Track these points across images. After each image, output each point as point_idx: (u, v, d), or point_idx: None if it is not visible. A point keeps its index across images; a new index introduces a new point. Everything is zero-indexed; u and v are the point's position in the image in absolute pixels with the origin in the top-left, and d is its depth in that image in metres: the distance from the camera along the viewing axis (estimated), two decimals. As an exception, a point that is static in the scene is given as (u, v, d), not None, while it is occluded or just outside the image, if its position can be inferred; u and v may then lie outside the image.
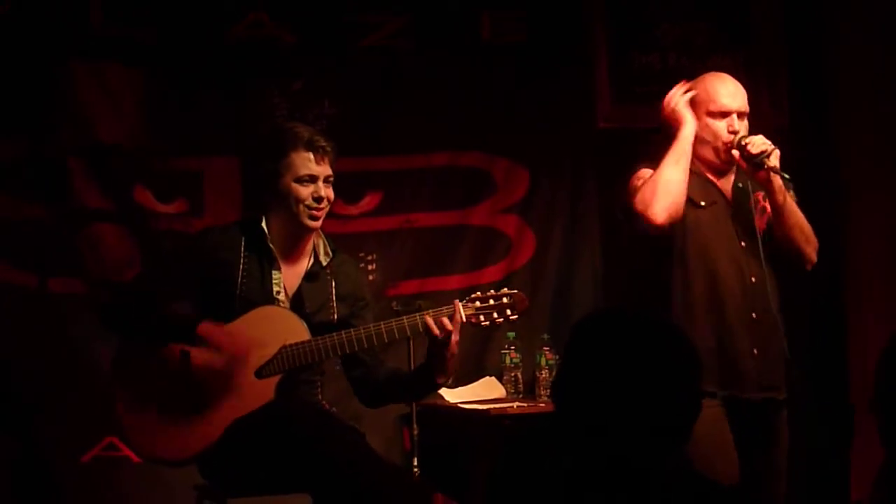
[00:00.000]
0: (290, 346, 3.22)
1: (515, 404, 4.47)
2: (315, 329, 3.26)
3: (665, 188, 3.35)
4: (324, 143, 3.30)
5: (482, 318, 3.27)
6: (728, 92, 3.48)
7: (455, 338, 3.22)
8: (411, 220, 4.84)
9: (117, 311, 3.33)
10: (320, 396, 3.40)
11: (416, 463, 4.25)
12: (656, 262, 3.47)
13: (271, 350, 3.22)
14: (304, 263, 3.37)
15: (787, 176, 3.36)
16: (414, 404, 4.27)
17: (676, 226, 3.40)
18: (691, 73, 3.71)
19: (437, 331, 3.20)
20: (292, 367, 3.23)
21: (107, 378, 3.38)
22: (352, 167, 4.45)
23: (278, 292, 3.30)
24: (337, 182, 3.35)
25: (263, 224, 3.31)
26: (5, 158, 4.43)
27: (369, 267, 4.75)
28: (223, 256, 3.29)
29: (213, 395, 3.21)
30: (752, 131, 3.46)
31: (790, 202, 3.42)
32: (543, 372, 4.64)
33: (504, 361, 4.76)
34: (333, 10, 4.76)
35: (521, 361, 4.75)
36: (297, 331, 3.24)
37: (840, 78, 5.05)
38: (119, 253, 4.53)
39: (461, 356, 4.58)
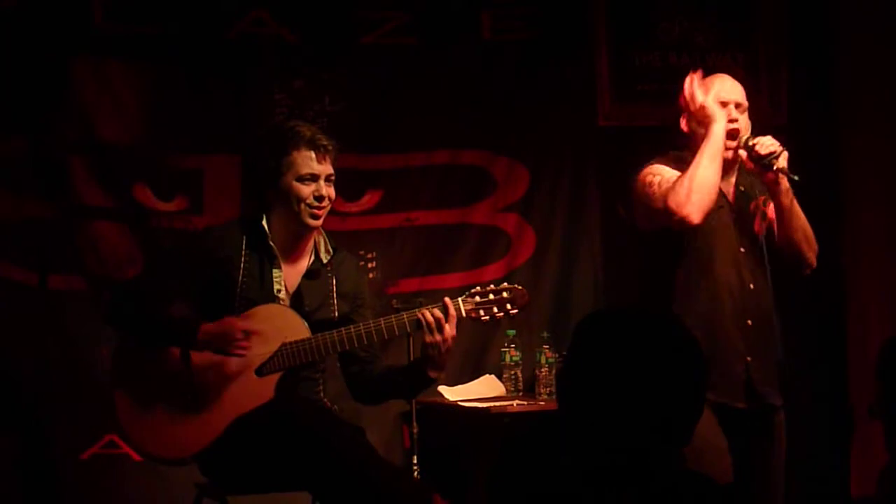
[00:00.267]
0: (290, 343, 3.22)
1: (515, 402, 4.48)
2: (315, 327, 3.27)
3: (701, 187, 3.28)
4: (325, 142, 3.30)
5: (482, 312, 3.27)
6: (725, 86, 3.47)
7: (451, 332, 3.22)
8: (412, 219, 4.84)
9: (120, 309, 3.32)
10: (321, 394, 3.41)
11: (415, 461, 4.25)
12: (658, 263, 3.45)
13: (272, 348, 3.22)
14: (305, 261, 3.37)
15: (796, 178, 3.33)
16: (414, 402, 4.27)
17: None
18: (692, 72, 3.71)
19: (433, 323, 3.20)
20: (292, 365, 3.24)
21: (107, 375, 3.38)
22: (352, 165, 4.46)
23: (279, 290, 3.31)
24: (337, 179, 3.35)
25: (264, 223, 3.31)
26: (6, 155, 4.42)
27: (369, 265, 4.75)
28: (224, 255, 3.29)
29: (213, 393, 3.21)
30: (752, 130, 3.46)
31: (796, 205, 3.40)
32: (543, 370, 4.64)
33: (504, 359, 4.77)
34: (334, 8, 4.75)
35: (520, 359, 4.75)
36: (298, 328, 3.24)
37: (841, 77, 5.05)
38: (119, 250, 4.53)
39: (461, 354, 4.63)
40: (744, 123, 3.45)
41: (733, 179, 3.49)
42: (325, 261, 3.38)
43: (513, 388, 4.73)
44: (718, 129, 3.35)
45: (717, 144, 3.34)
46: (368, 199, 4.80)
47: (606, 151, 4.91)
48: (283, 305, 3.30)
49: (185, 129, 4.62)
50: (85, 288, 4.49)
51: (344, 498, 3.09)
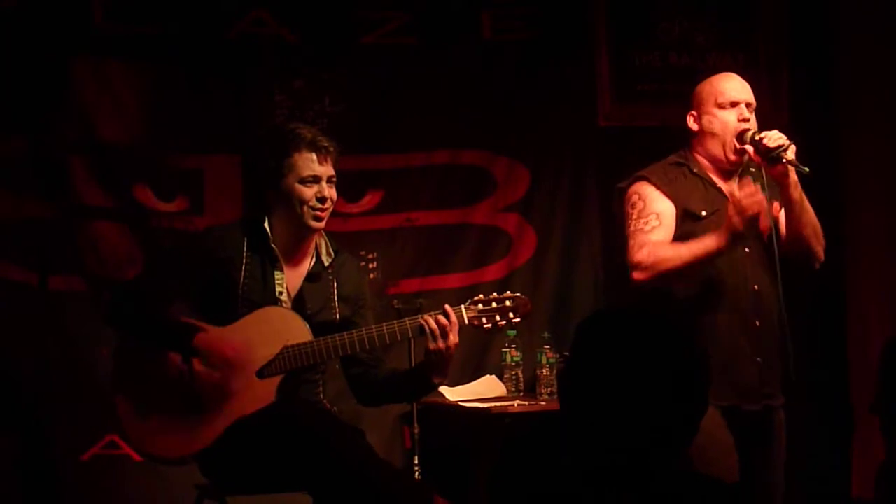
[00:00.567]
0: (292, 346, 3.22)
1: (516, 403, 4.47)
2: (317, 329, 3.27)
3: (670, 268, 3.29)
4: (326, 144, 3.30)
5: (484, 320, 3.27)
6: (734, 86, 3.46)
7: (454, 340, 3.23)
8: (412, 219, 4.84)
9: (120, 310, 3.32)
10: (321, 396, 3.41)
11: (416, 462, 4.26)
12: None
13: (273, 350, 3.22)
14: (307, 264, 3.37)
15: (806, 169, 3.31)
16: (414, 403, 4.27)
17: (682, 236, 3.37)
18: (692, 71, 3.71)
19: (437, 331, 3.20)
20: (294, 368, 3.23)
21: (107, 376, 3.38)
22: (353, 165, 4.45)
23: (281, 293, 3.30)
24: (338, 180, 3.35)
25: (266, 225, 3.31)
26: (6, 155, 4.42)
27: (370, 266, 4.75)
28: (225, 256, 3.29)
29: (214, 394, 3.21)
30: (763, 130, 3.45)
31: (804, 198, 3.39)
32: (544, 370, 4.64)
33: (505, 360, 4.76)
34: (334, 8, 4.75)
35: (521, 360, 4.75)
36: (300, 332, 3.24)
37: (841, 77, 5.05)
38: (119, 251, 4.53)
39: (462, 355, 4.62)
40: (753, 122, 3.45)
41: (737, 180, 3.48)
42: (326, 263, 3.38)
43: (514, 389, 4.73)
44: (723, 245, 3.24)
45: (712, 254, 3.27)
46: (369, 200, 4.80)
47: (607, 151, 4.91)
48: (286, 308, 3.30)
49: (186, 129, 4.62)
50: (85, 288, 4.49)
51: (344, 499, 3.09)
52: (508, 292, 3.32)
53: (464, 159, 4.90)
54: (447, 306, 3.25)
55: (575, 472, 1.92)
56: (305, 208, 3.26)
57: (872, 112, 4.91)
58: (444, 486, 4.40)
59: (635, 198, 3.43)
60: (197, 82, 4.62)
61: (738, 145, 3.40)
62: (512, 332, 4.71)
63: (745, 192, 3.21)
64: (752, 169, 3.44)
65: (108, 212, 4.54)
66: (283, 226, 3.31)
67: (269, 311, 3.26)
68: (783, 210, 3.44)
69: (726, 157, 3.43)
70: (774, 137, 3.32)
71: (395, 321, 3.28)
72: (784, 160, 3.30)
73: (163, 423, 3.24)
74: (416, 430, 4.29)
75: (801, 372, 3.41)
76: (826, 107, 5.04)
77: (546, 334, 4.76)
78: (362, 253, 4.70)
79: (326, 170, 3.29)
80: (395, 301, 4.43)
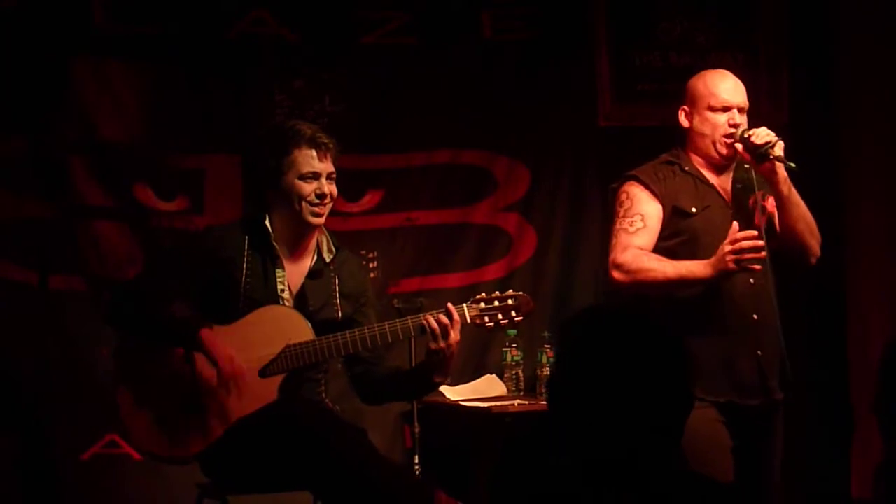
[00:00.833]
0: (294, 345, 3.22)
1: (517, 402, 4.47)
2: (318, 326, 3.27)
3: (650, 280, 3.33)
4: (326, 140, 3.30)
5: (486, 319, 3.28)
6: (728, 87, 3.48)
7: (455, 339, 3.23)
8: (412, 218, 4.84)
9: (121, 309, 3.32)
10: (324, 395, 3.41)
11: (417, 461, 4.25)
12: None
13: (275, 349, 3.22)
14: (308, 261, 3.37)
15: (793, 165, 3.34)
16: (415, 402, 4.27)
17: (674, 233, 3.41)
18: (692, 71, 3.71)
19: (438, 330, 3.20)
20: (296, 367, 3.23)
21: (108, 375, 3.38)
22: (353, 165, 4.45)
23: (282, 290, 3.30)
24: (338, 180, 3.35)
25: (267, 222, 3.31)
26: (6, 155, 4.42)
27: (370, 265, 4.75)
28: (226, 255, 3.29)
29: (215, 393, 3.21)
30: (754, 127, 3.46)
31: (795, 193, 3.41)
32: (545, 369, 4.64)
33: (505, 359, 4.76)
34: (335, 8, 4.75)
35: (522, 359, 4.75)
36: (302, 330, 3.24)
37: (841, 77, 5.04)
38: (120, 250, 4.53)
39: (462, 354, 4.61)
40: (743, 120, 3.47)
41: (731, 175, 3.50)
42: (327, 260, 3.38)
43: (514, 388, 4.73)
44: (707, 273, 3.28)
45: (696, 280, 3.30)
46: (369, 199, 4.80)
47: (607, 151, 4.90)
48: (288, 307, 3.30)
49: (186, 129, 4.62)
50: (85, 288, 4.49)
51: (345, 498, 3.10)
52: (511, 291, 3.32)
53: (464, 159, 4.90)
54: (450, 305, 3.25)
55: (575, 472, 1.93)
56: (304, 204, 3.26)
57: (872, 112, 4.91)
58: (445, 485, 4.41)
59: (623, 196, 3.49)
60: (197, 82, 4.62)
61: (727, 143, 3.43)
62: (512, 332, 4.71)
63: (746, 235, 3.23)
64: (745, 165, 3.45)
65: (108, 211, 4.54)
66: (283, 223, 3.32)
67: (271, 310, 3.26)
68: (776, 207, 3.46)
69: (717, 153, 3.46)
70: (762, 135, 3.35)
71: (396, 320, 3.28)
72: (771, 157, 3.32)
73: (164, 422, 3.25)
74: (417, 430, 4.29)
75: (800, 371, 3.42)
76: (826, 107, 5.04)
77: (546, 334, 4.75)
78: (363, 252, 4.70)
79: (326, 166, 3.30)
80: (396, 300, 4.43)
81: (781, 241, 3.45)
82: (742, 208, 3.46)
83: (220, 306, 3.26)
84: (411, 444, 4.36)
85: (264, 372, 3.22)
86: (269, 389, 3.21)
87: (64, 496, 4.36)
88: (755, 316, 3.40)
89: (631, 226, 3.42)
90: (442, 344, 3.21)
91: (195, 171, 4.65)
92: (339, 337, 3.23)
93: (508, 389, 4.73)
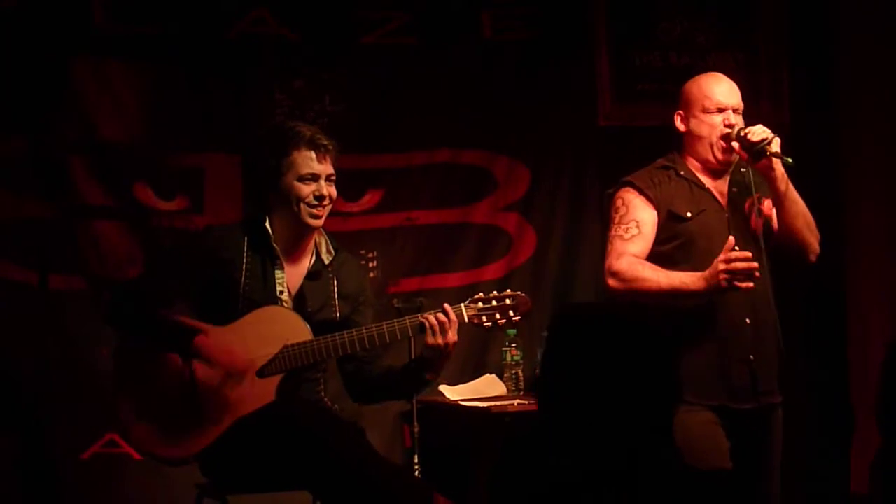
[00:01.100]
0: (293, 345, 3.23)
1: (516, 402, 4.47)
2: (317, 327, 3.27)
3: (645, 289, 3.34)
4: (325, 142, 3.31)
5: (484, 319, 3.28)
6: (723, 90, 3.49)
7: (453, 338, 3.23)
8: (412, 218, 4.84)
9: (120, 309, 3.32)
10: (323, 394, 3.41)
11: (416, 460, 4.25)
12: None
13: (273, 350, 3.22)
14: (306, 262, 3.37)
15: (790, 160, 3.34)
16: (415, 402, 4.27)
17: (669, 237, 3.42)
18: (692, 71, 3.72)
19: (436, 327, 3.20)
20: (294, 367, 3.24)
21: (107, 375, 3.38)
22: (353, 164, 4.45)
23: (281, 292, 3.31)
24: (338, 179, 3.35)
25: (267, 224, 3.31)
26: (6, 155, 4.42)
27: (370, 265, 4.75)
28: (226, 255, 3.30)
29: (214, 393, 3.21)
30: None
31: (792, 190, 3.41)
32: (544, 370, 4.63)
33: (505, 359, 4.76)
34: (335, 8, 4.75)
35: (521, 359, 4.75)
36: (300, 331, 3.24)
37: (841, 77, 5.05)
38: (120, 250, 4.53)
39: (462, 354, 4.63)
40: (739, 120, 3.47)
41: (727, 179, 3.50)
42: (326, 262, 3.38)
43: (514, 388, 4.73)
44: (699, 286, 3.29)
45: (689, 293, 3.31)
46: (369, 199, 4.80)
47: (607, 151, 4.91)
48: (286, 307, 3.30)
49: (186, 128, 4.62)
50: (85, 288, 4.48)
51: (344, 497, 3.10)
52: (509, 290, 3.33)
53: (464, 159, 4.90)
54: (446, 305, 3.25)
55: (574, 472, 1.93)
56: (303, 206, 3.27)
57: (872, 112, 4.91)
58: (445, 485, 4.40)
59: (619, 202, 3.51)
60: (197, 82, 4.62)
61: (724, 144, 3.43)
62: (512, 332, 4.71)
63: (740, 256, 3.23)
64: (742, 169, 3.46)
65: (108, 211, 4.54)
66: (283, 224, 3.32)
67: (270, 311, 3.27)
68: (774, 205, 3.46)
69: (714, 158, 3.47)
70: (758, 132, 3.36)
71: (395, 320, 3.28)
72: (768, 153, 3.32)
73: (163, 422, 3.25)
74: (416, 429, 4.28)
75: (799, 371, 3.41)
76: (826, 107, 5.04)
77: (546, 333, 4.75)
78: (362, 252, 4.70)
79: (325, 168, 3.30)
80: (396, 300, 4.42)
81: (780, 240, 3.45)
82: (738, 211, 3.46)
83: (219, 306, 3.26)
84: (410, 444, 4.36)
85: (262, 372, 3.23)
86: (268, 389, 3.22)
87: (64, 496, 4.36)
88: (748, 320, 3.40)
89: (626, 233, 3.43)
90: (440, 340, 3.21)
91: (195, 171, 4.65)
92: (338, 337, 3.24)
93: (508, 389, 4.73)
